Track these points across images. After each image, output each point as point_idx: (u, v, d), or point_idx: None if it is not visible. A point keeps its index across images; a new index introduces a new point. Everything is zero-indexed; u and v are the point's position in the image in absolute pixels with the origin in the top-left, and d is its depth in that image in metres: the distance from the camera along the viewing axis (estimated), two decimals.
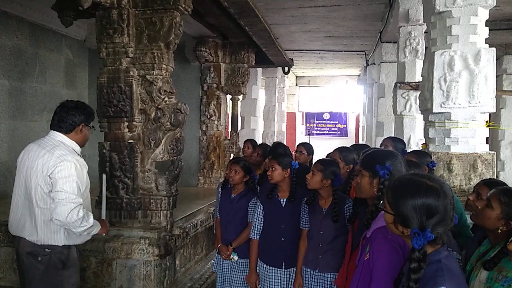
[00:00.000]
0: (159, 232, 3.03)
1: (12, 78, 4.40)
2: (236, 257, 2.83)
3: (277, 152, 2.95)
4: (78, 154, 2.28)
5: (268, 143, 5.81)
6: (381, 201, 1.55)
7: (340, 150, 2.91)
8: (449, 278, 1.13)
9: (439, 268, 1.17)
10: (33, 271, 2.18)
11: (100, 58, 3.13)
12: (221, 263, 2.97)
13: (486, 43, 3.21)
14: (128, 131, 3.10)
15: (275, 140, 8.58)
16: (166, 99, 3.14)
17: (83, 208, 2.14)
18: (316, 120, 14.88)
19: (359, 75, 12.30)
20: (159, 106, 3.12)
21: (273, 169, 2.58)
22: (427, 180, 1.26)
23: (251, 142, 3.93)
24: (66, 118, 2.25)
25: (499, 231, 1.69)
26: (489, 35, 3.25)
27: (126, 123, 3.09)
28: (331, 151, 3.02)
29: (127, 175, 3.07)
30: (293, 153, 3.64)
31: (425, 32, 5.15)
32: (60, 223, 2.10)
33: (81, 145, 2.36)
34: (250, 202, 2.80)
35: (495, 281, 1.53)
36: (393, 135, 5.74)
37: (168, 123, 3.12)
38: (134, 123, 3.10)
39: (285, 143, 6.64)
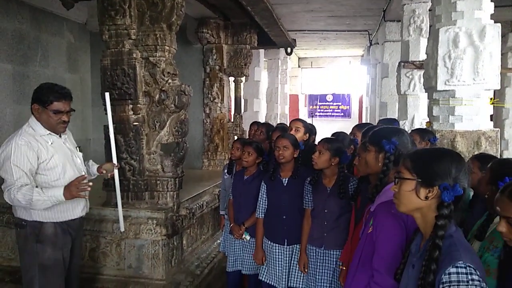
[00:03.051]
0: (166, 213, 3.08)
1: (15, 62, 4.40)
2: (248, 237, 2.88)
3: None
4: (44, 135, 2.26)
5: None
6: (387, 171, 1.58)
7: (337, 136, 2.97)
8: (465, 252, 1.15)
9: (452, 243, 1.18)
10: (18, 241, 2.33)
11: (102, 41, 3.11)
12: (232, 242, 3.02)
13: (491, 19, 3.17)
14: (133, 114, 3.11)
15: (279, 122, 8.57)
16: (169, 81, 3.14)
17: (21, 186, 2.13)
18: (319, 102, 14.81)
19: (362, 56, 12.17)
20: (163, 88, 3.12)
21: (286, 148, 2.60)
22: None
23: (257, 124, 3.95)
24: None
25: (486, 196, 1.75)
26: (494, 11, 3.21)
27: (131, 106, 3.10)
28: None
29: (133, 157, 3.11)
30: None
31: (429, 10, 5.08)
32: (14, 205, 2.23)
33: (49, 128, 2.28)
34: (262, 183, 2.82)
35: (486, 250, 1.57)
36: (396, 115, 5.74)
37: (173, 105, 3.13)
38: (139, 105, 3.11)
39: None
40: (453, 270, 1.11)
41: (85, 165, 2.57)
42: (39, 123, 2.26)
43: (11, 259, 3.27)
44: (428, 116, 3.64)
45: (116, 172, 2.68)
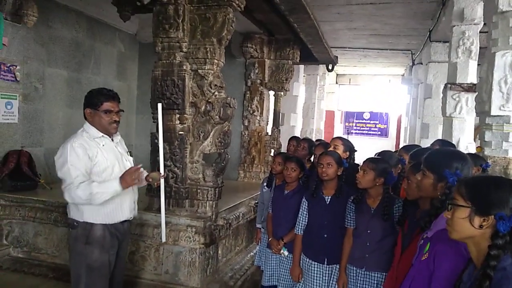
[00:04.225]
0: (205, 222, 3.12)
1: (70, 68, 4.67)
2: (286, 252, 2.85)
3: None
4: (97, 138, 2.35)
5: None
6: (445, 201, 1.52)
7: (383, 155, 2.89)
8: None
9: (505, 276, 1.14)
10: (69, 241, 2.42)
11: (155, 52, 3.25)
12: (269, 257, 3.00)
13: None
14: (179, 123, 3.21)
15: (317, 138, 8.51)
16: (216, 93, 3.22)
17: (79, 183, 2.21)
18: (356, 119, 14.61)
19: (403, 75, 11.95)
20: (209, 100, 3.20)
21: (330, 165, 2.59)
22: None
23: (296, 139, 3.96)
24: None
25: None
26: None
27: (178, 115, 3.20)
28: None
29: (177, 165, 3.19)
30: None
31: (480, 32, 4.93)
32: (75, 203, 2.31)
33: (102, 130, 2.37)
34: (303, 198, 2.81)
35: None
36: (440, 137, 5.56)
37: (217, 117, 3.20)
38: (185, 115, 3.20)
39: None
40: None
41: None
42: (93, 127, 2.37)
43: (55, 256, 3.41)
44: (474, 140, 3.51)
45: (162, 181, 2.73)
